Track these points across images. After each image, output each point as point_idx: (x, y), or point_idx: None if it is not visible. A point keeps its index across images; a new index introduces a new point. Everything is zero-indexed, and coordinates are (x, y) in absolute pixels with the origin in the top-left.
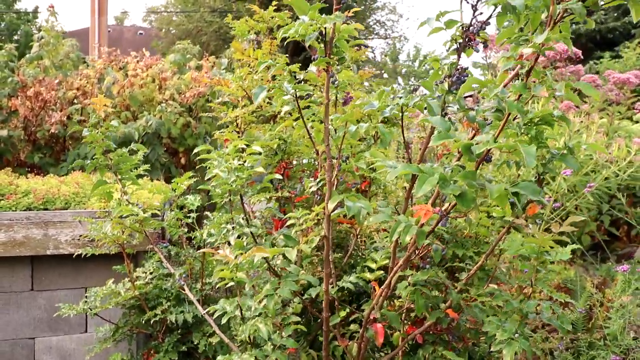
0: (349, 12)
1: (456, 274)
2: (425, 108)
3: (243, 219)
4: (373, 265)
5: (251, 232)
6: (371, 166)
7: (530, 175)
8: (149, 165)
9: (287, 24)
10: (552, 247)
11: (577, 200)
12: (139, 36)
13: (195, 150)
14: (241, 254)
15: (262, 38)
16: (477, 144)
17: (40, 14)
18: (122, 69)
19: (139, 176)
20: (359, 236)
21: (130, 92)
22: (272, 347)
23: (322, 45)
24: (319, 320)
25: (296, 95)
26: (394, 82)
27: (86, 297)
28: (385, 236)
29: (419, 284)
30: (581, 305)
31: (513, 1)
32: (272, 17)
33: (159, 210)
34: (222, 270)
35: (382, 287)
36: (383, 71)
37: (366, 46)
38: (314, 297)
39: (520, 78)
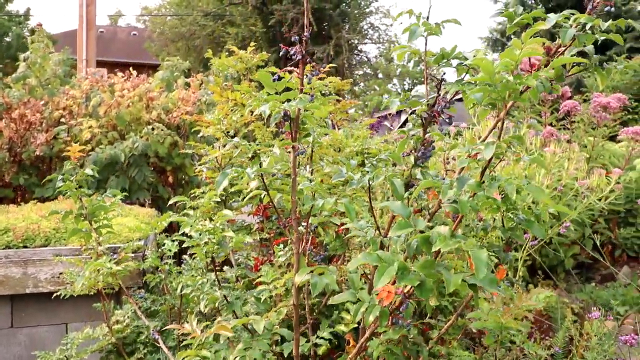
0: (321, 67)
1: (428, 332)
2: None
3: (213, 281)
4: (348, 317)
5: (224, 295)
6: (344, 226)
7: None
8: (123, 195)
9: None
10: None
11: (558, 228)
12: (132, 37)
13: (170, 202)
14: (208, 331)
15: (241, 77)
16: (435, 233)
17: (32, 17)
18: (110, 87)
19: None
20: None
21: (117, 112)
22: None
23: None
24: None
25: (261, 175)
26: (389, 82)
27: (63, 343)
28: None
29: (390, 343)
30: (560, 339)
31: (472, 95)
32: (251, 58)
33: (138, 247)
34: (190, 351)
35: (356, 347)
36: (378, 71)
37: (339, 100)
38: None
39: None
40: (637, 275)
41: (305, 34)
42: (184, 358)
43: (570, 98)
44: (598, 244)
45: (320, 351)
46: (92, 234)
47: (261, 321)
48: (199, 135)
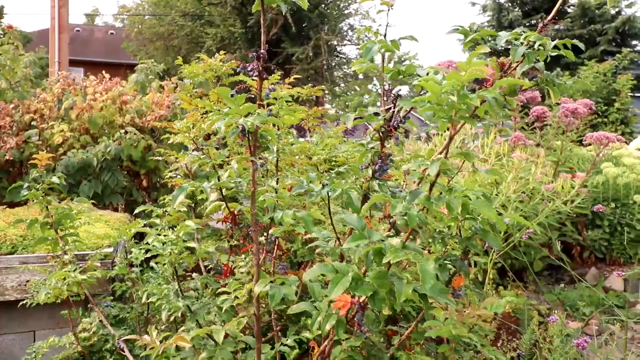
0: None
1: (392, 337)
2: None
3: (176, 291)
4: (309, 321)
5: (186, 305)
6: (308, 235)
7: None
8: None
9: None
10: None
11: (524, 232)
12: (110, 36)
13: (136, 211)
14: (167, 342)
15: (210, 85)
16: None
17: (6, 15)
18: (82, 91)
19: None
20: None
21: (89, 116)
22: None
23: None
24: None
25: (220, 189)
26: (369, 82)
27: (27, 353)
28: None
29: (352, 350)
30: (526, 341)
31: (423, 113)
32: (221, 66)
33: (107, 255)
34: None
35: (317, 353)
36: (359, 72)
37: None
38: None
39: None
40: (603, 276)
41: (262, 51)
42: None
43: (541, 102)
44: (562, 247)
45: (290, 358)
46: (59, 242)
47: (221, 331)
48: (169, 141)
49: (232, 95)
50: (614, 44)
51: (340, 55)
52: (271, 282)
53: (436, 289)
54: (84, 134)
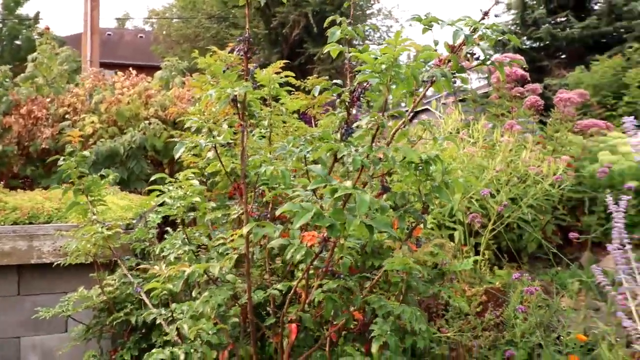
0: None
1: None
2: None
3: (183, 239)
4: (299, 274)
5: (191, 250)
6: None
7: (455, 202)
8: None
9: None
10: (422, 262)
11: (516, 212)
12: (139, 39)
13: (152, 179)
14: (172, 268)
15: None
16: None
17: (41, 20)
18: (111, 86)
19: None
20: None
21: (117, 109)
22: (200, 342)
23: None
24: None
25: (214, 146)
26: None
27: (61, 301)
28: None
29: (330, 291)
30: (510, 309)
31: (370, 80)
32: (230, 57)
33: (130, 224)
34: (156, 281)
35: (289, 294)
36: None
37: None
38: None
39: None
40: (596, 259)
41: (246, 34)
42: (150, 287)
43: (541, 94)
44: (560, 231)
45: (278, 301)
46: (88, 206)
47: (217, 266)
48: (185, 126)
49: (224, 71)
50: None
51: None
52: (257, 225)
53: (380, 222)
54: (112, 125)
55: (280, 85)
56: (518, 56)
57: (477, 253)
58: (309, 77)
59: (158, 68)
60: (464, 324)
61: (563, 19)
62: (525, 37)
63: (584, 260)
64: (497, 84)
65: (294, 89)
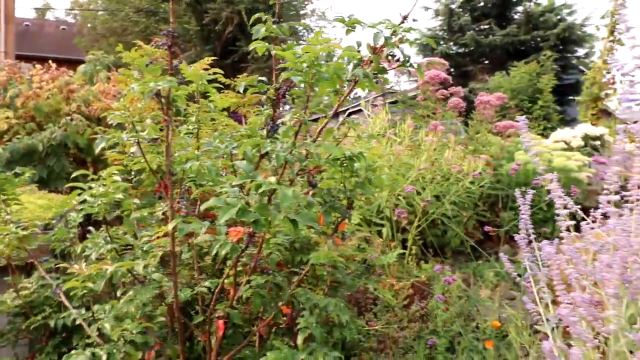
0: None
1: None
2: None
3: (105, 238)
4: (230, 272)
5: (114, 248)
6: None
7: (383, 200)
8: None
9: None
10: (347, 256)
11: (440, 208)
12: (61, 31)
13: (72, 176)
14: (92, 267)
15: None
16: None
17: None
18: (28, 80)
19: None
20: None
21: (35, 104)
22: (123, 341)
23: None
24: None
25: (138, 142)
26: None
27: None
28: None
29: (258, 287)
30: (434, 300)
31: (293, 78)
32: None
33: (49, 224)
34: (75, 280)
35: (216, 291)
36: None
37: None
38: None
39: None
40: (514, 252)
41: (170, 28)
42: (69, 286)
43: (465, 97)
44: (481, 226)
45: (207, 300)
46: (1, 206)
47: (141, 263)
48: (109, 123)
49: (147, 65)
50: (555, 49)
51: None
52: (182, 221)
53: (305, 216)
54: (30, 121)
55: (210, 82)
56: (442, 60)
57: (404, 248)
58: (238, 76)
59: (83, 62)
60: (392, 316)
61: (486, 27)
62: (451, 43)
63: (503, 254)
64: (423, 87)
65: (224, 88)
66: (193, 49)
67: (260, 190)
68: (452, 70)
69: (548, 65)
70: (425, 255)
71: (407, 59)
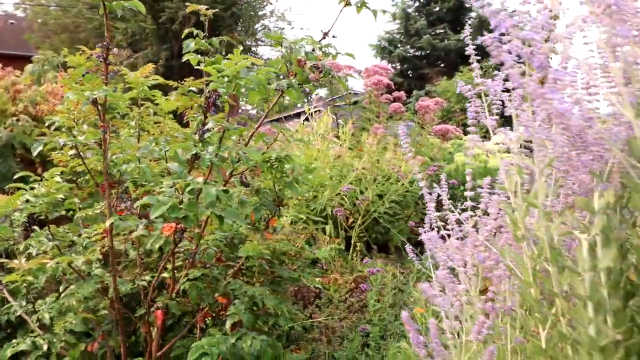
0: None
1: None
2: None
3: (47, 235)
4: (169, 266)
5: (56, 245)
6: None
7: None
8: None
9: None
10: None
11: (381, 207)
12: (9, 26)
13: (16, 177)
14: (33, 262)
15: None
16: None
17: None
18: None
19: None
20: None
21: None
22: (64, 331)
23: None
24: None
25: (76, 145)
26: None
27: None
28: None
29: (196, 279)
30: (374, 292)
31: (220, 88)
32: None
33: None
34: (16, 274)
35: (152, 284)
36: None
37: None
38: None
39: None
40: None
41: (105, 42)
42: (8, 280)
43: (405, 102)
44: (419, 223)
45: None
46: None
47: (80, 258)
48: (54, 124)
49: (83, 75)
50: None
51: (256, 57)
52: (119, 218)
53: (230, 213)
54: None
55: (154, 87)
56: (387, 66)
57: (348, 246)
58: (185, 80)
59: (32, 58)
60: (333, 309)
61: (441, 31)
62: (408, 46)
63: (407, 245)
64: (368, 91)
65: (176, 89)
66: (149, 47)
67: (188, 189)
68: (409, 73)
69: (491, 72)
70: (370, 251)
71: (327, 70)
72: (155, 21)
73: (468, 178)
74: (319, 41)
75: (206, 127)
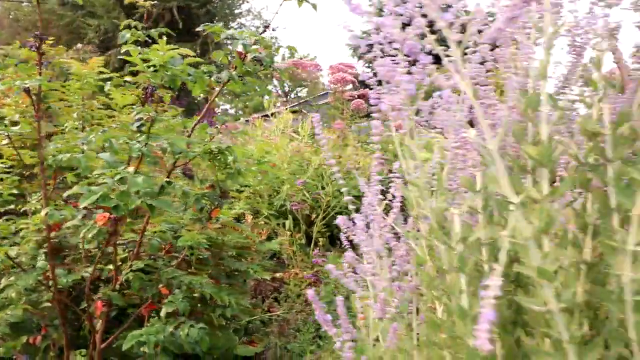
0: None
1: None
2: None
3: None
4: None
5: None
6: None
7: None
8: None
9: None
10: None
11: (342, 201)
12: None
13: None
14: None
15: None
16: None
17: None
18: None
19: None
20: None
21: None
22: (5, 323)
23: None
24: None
25: (9, 136)
26: (270, 82)
27: None
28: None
29: (139, 271)
30: (332, 285)
31: (148, 78)
32: (49, 50)
33: None
34: None
35: (115, 277)
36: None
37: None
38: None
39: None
40: None
41: (38, 32)
42: None
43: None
44: None
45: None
46: None
47: (15, 249)
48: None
49: (16, 65)
50: None
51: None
52: (55, 208)
53: (162, 202)
54: None
55: (107, 80)
56: (350, 63)
57: (309, 240)
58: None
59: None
60: (291, 303)
61: None
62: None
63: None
64: (333, 88)
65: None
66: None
67: (117, 178)
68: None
69: None
70: (334, 246)
71: (267, 63)
72: (128, 18)
73: (375, 162)
74: (260, 34)
75: (137, 116)
